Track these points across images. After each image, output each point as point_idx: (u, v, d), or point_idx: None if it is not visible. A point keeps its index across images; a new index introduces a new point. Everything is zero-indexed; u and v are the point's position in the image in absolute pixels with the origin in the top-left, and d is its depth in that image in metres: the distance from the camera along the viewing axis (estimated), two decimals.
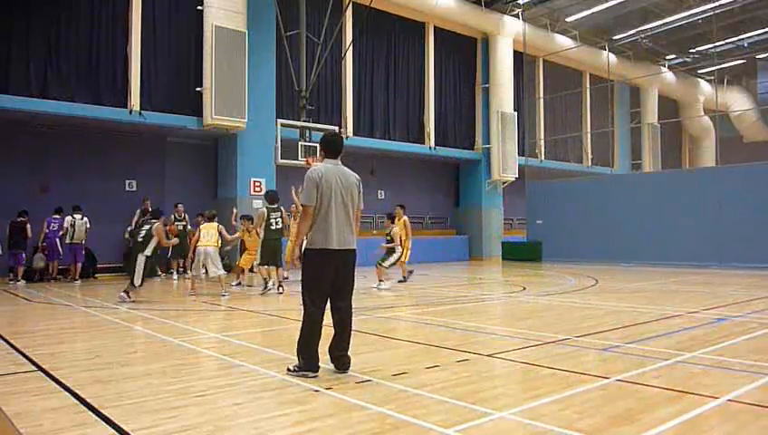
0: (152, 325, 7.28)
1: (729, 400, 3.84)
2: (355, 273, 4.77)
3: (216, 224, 11.07)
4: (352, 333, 4.79)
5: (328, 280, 4.61)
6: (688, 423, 3.41)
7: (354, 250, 4.73)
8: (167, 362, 5.15)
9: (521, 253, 21.84)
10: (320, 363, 4.57)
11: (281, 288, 10.88)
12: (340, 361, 4.65)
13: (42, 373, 4.74)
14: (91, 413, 3.67)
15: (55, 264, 13.79)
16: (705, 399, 3.84)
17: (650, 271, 16.13)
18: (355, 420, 3.51)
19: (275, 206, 11.04)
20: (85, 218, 13.59)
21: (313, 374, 4.51)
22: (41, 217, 13.70)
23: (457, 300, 10.08)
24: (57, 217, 13.75)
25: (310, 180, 4.64)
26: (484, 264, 21.27)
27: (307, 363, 4.54)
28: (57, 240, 13.61)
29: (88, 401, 3.91)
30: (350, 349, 4.73)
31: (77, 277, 13.39)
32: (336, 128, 16.76)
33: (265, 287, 10.90)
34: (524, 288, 11.84)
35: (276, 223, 10.84)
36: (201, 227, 11.08)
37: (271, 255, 10.83)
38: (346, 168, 4.86)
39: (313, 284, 4.63)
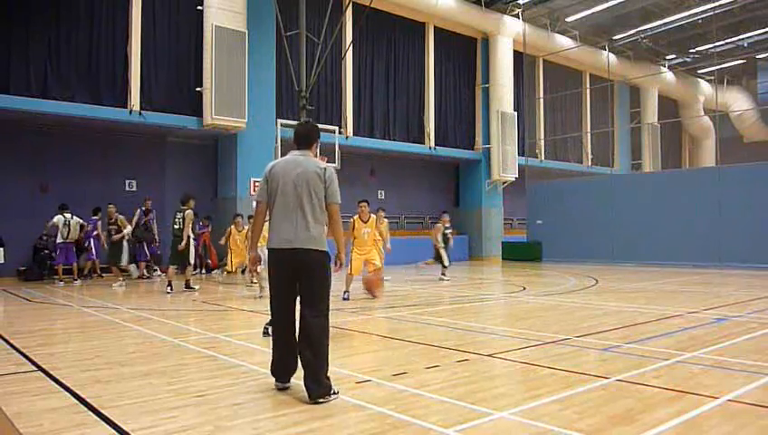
0: (152, 325, 7.28)
1: (729, 400, 3.84)
2: (323, 277, 4.13)
3: None
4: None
5: (281, 283, 4.15)
6: (688, 423, 3.41)
7: (311, 250, 4.09)
8: (167, 362, 5.14)
9: (521, 253, 21.84)
10: (292, 379, 4.18)
11: (169, 287, 11.17)
12: (306, 386, 3.92)
13: (42, 373, 4.73)
14: (91, 413, 3.67)
15: (96, 263, 14.35)
16: (705, 399, 3.84)
17: (650, 271, 16.13)
18: (355, 420, 3.51)
19: (181, 207, 11.43)
20: (75, 217, 13.56)
21: (278, 386, 4.18)
22: (41, 217, 13.72)
23: (457, 300, 10.08)
24: (95, 217, 14.12)
25: (262, 176, 4.33)
26: (484, 264, 21.26)
27: (272, 375, 4.23)
28: (91, 240, 14.04)
29: (88, 401, 3.91)
30: (321, 376, 3.92)
31: (76, 277, 13.39)
32: (335, 127, 16.68)
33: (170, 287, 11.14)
34: (524, 288, 11.84)
35: (177, 223, 11.30)
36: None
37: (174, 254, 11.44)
38: (311, 158, 4.31)
39: (270, 288, 4.25)
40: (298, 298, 4.17)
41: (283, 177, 4.18)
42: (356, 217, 10.16)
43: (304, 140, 4.37)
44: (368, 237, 10.02)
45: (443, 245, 13.83)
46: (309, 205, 4.12)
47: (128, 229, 13.25)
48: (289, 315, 4.18)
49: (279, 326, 4.21)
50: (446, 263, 13.83)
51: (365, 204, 10.31)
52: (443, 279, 13.59)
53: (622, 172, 28.36)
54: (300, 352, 4.05)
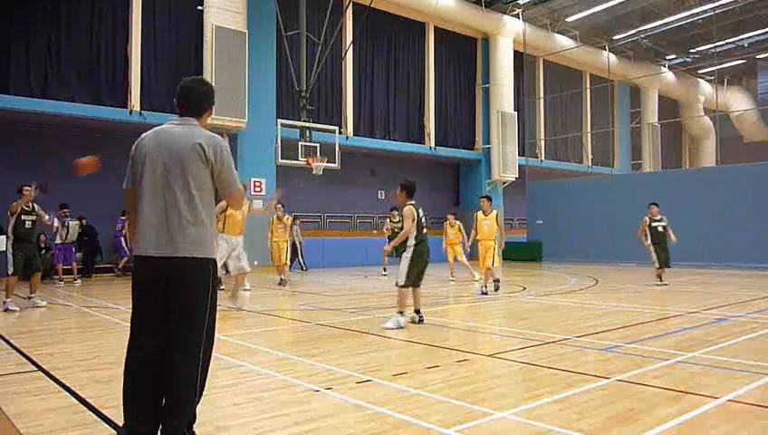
0: None
1: (729, 400, 3.84)
2: (202, 298, 2.95)
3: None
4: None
5: (145, 302, 2.93)
6: (688, 423, 3.40)
7: (188, 259, 2.89)
8: None
9: (521, 253, 21.83)
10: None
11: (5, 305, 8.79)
12: (166, 429, 2.89)
13: (42, 373, 4.73)
14: (91, 413, 3.67)
15: (124, 261, 15.15)
16: (705, 399, 3.84)
17: (650, 271, 16.10)
18: (355, 420, 3.51)
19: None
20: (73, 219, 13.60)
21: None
22: None
23: (457, 300, 10.07)
24: (123, 218, 14.58)
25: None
26: None
27: (124, 418, 2.91)
28: (122, 239, 14.91)
29: (88, 401, 3.91)
30: (184, 418, 2.96)
31: (77, 277, 13.38)
32: (335, 127, 16.65)
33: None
34: (524, 288, 11.84)
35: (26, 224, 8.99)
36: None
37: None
38: (196, 128, 3.13)
39: (132, 306, 2.99)
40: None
41: (151, 155, 2.99)
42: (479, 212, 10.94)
43: (192, 103, 3.18)
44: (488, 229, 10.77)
45: (649, 242, 11.99)
46: (184, 196, 2.93)
47: (43, 218, 9.33)
48: (152, 356, 2.89)
49: (133, 355, 2.91)
50: (657, 263, 11.88)
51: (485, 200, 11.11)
52: (659, 284, 11.76)
53: (622, 172, 28.36)
54: (167, 394, 2.90)
